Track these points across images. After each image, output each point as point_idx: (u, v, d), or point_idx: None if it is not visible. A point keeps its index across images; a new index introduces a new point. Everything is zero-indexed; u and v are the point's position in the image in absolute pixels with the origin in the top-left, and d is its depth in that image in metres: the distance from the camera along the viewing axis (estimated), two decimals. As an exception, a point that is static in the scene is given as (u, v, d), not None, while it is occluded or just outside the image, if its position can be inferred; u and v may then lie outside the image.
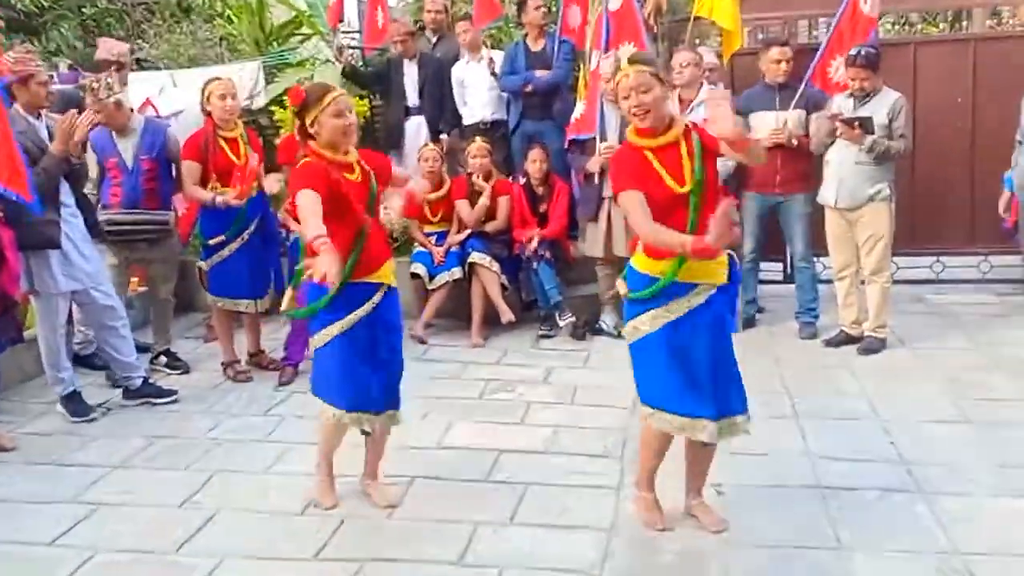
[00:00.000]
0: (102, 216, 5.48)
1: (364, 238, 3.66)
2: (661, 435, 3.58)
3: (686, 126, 3.44)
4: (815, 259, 6.44)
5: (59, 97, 5.61)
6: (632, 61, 3.41)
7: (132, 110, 5.80)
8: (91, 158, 5.52)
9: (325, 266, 3.12)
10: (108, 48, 6.13)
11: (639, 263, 3.49)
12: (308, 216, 3.34)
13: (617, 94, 3.46)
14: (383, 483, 4.03)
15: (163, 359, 5.96)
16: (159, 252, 5.78)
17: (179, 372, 5.90)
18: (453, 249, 6.56)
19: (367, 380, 3.74)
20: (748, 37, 7.99)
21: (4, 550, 3.62)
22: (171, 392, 5.40)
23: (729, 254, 3.44)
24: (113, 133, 5.51)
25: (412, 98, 7.41)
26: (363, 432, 3.89)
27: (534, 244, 6.42)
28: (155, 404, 5.31)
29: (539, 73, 6.90)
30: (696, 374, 3.40)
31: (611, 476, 4.18)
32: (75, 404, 5.11)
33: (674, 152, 3.38)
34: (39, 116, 4.97)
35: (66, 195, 4.99)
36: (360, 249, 3.65)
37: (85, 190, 5.39)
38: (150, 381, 5.44)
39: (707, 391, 3.40)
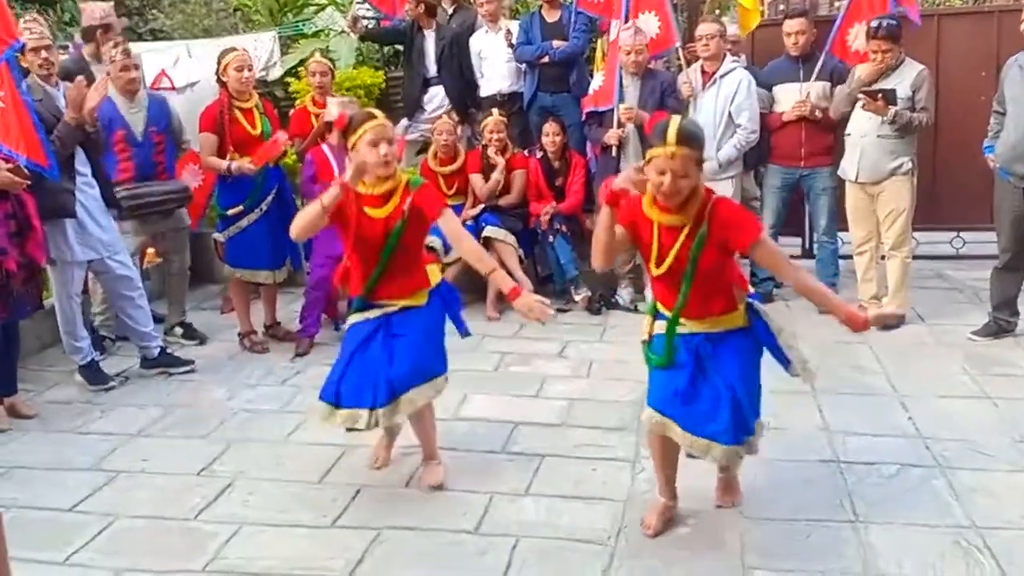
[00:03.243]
0: (122, 192, 5.43)
1: (378, 274, 3.66)
2: (652, 437, 3.46)
3: (703, 204, 3.16)
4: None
5: (60, 68, 5.59)
6: (682, 141, 3.04)
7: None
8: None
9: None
10: (90, 13, 6.10)
11: None
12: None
13: (650, 169, 3.13)
14: (432, 465, 3.95)
15: (178, 330, 5.98)
16: (172, 223, 5.79)
17: (195, 343, 5.92)
18: (468, 223, 6.54)
19: (341, 372, 3.70)
20: (769, 8, 7.91)
21: (25, 516, 3.64)
22: (188, 362, 5.43)
23: (749, 302, 3.36)
24: (120, 105, 5.48)
25: (431, 68, 7.36)
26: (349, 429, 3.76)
27: (548, 216, 6.39)
28: (172, 374, 5.34)
29: (556, 44, 6.84)
30: (677, 381, 3.29)
31: (626, 449, 4.18)
32: (93, 373, 5.15)
33: (674, 235, 3.19)
34: (57, 85, 4.97)
35: (82, 164, 4.99)
36: (373, 282, 3.68)
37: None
38: (167, 351, 5.46)
39: (684, 399, 3.27)
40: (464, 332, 4.01)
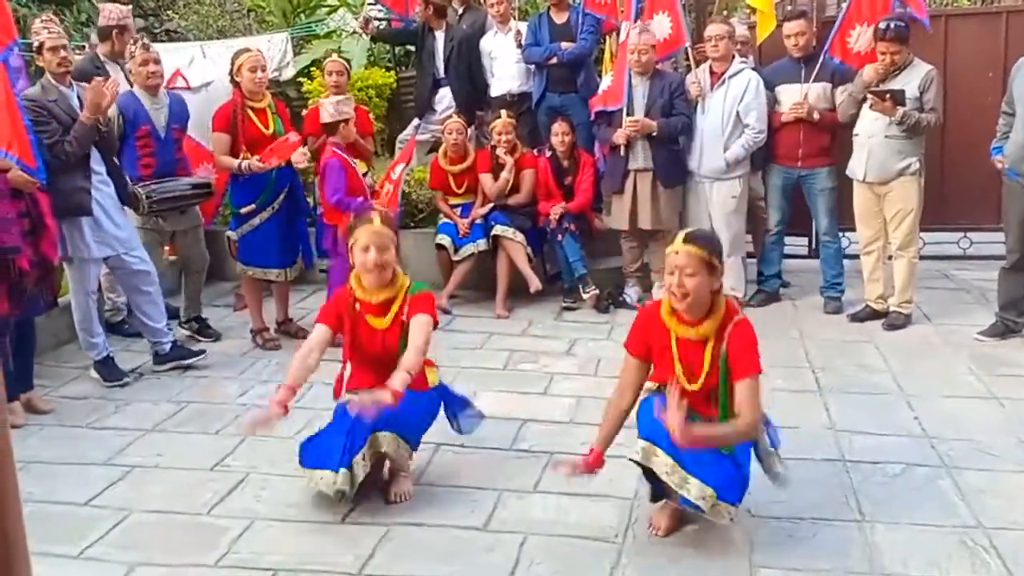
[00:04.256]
0: (151, 186, 5.46)
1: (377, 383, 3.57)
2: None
3: (725, 320, 3.20)
4: (841, 234, 6.42)
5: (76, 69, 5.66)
6: (688, 240, 3.17)
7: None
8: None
9: (257, 420, 3.49)
10: (107, 14, 6.17)
11: None
12: (303, 347, 3.66)
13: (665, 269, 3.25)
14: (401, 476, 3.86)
15: (194, 325, 6.04)
16: (188, 220, 5.85)
17: (210, 340, 5.97)
18: (477, 222, 6.58)
19: (328, 440, 3.68)
20: (776, 10, 7.92)
21: (41, 510, 3.71)
22: (199, 352, 5.48)
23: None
24: (144, 101, 5.54)
25: (441, 69, 7.40)
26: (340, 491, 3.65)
27: (557, 213, 6.43)
28: (186, 366, 5.40)
29: (565, 45, 6.88)
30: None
31: (634, 447, 4.20)
32: (108, 369, 5.21)
33: (698, 350, 3.22)
34: (71, 85, 5.03)
35: (96, 162, 5.05)
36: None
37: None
38: (178, 343, 5.52)
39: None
40: (460, 430, 3.97)
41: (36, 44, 5.01)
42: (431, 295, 3.77)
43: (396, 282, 3.67)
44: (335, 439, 3.63)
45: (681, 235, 3.23)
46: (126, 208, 5.33)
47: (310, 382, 5.10)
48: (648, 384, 3.45)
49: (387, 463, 3.86)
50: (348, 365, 3.81)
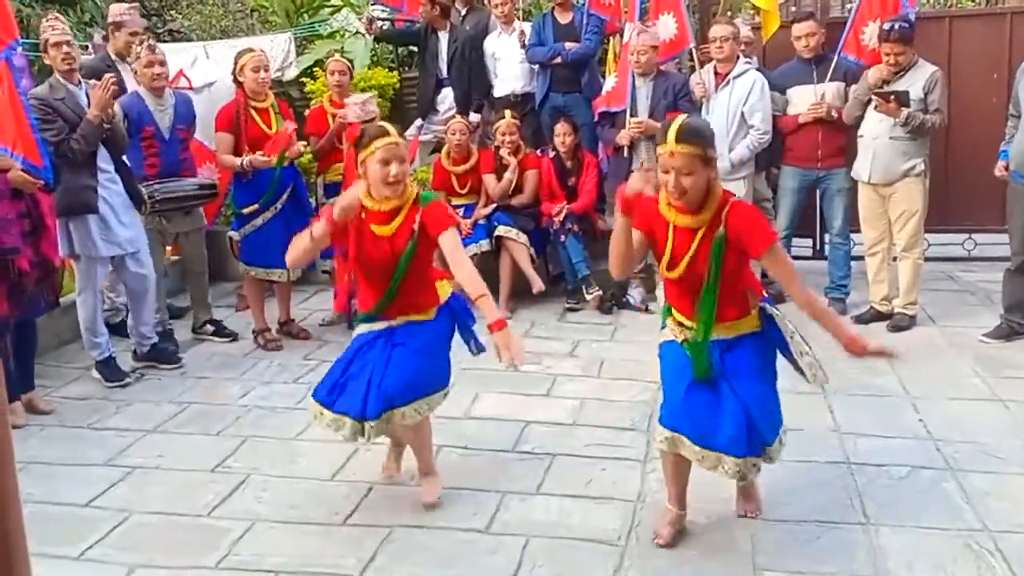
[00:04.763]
0: (155, 186, 5.46)
1: (392, 294, 3.58)
2: (664, 455, 3.41)
3: (720, 206, 3.15)
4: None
5: (86, 67, 5.66)
6: (681, 139, 3.05)
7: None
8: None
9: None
10: (113, 12, 6.18)
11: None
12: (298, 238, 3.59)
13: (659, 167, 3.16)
14: (430, 480, 3.82)
15: (209, 327, 6.03)
16: (191, 222, 5.84)
17: (227, 340, 5.95)
18: (480, 222, 6.57)
19: (338, 375, 3.62)
20: (781, 11, 7.90)
21: (41, 510, 3.70)
22: (176, 360, 5.48)
23: (762, 307, 3.37)
24: (148, 102, 5.53)
25: (444, 70, 7.39)
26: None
27: (560, 214, 6.41)
28: (160, 368, 5.41)
29: (569, 45, 6.86)
30: (691, 395, 3.24)
31: (637, 449, 4.19)
32: (110, 369, 5.20)
33: (689, 238, 3.17)
34: (79, 84, 5.02)
35: (104, 161, 5.05)
36: (387, 301, 3.60)
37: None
38: (159, 346, 5.50)
39: (696, 412, 3.22)
40: (477, 348, 3.89)
41: (42, 42, 5.02)
42: (444, 204, 3.78)
43: (404, 192, 3.57)
44: (355, 383, 3.55)
45: (672, 133, 3.06)
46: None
47: (311, 384, 5.12)
48: (668, 326, 3.39)
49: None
50: (352, 277, 3.78)
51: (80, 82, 5.04)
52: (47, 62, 5.05)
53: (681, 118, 3.16)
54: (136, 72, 5.59)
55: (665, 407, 3.31)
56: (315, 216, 6.13)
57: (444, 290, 3.77)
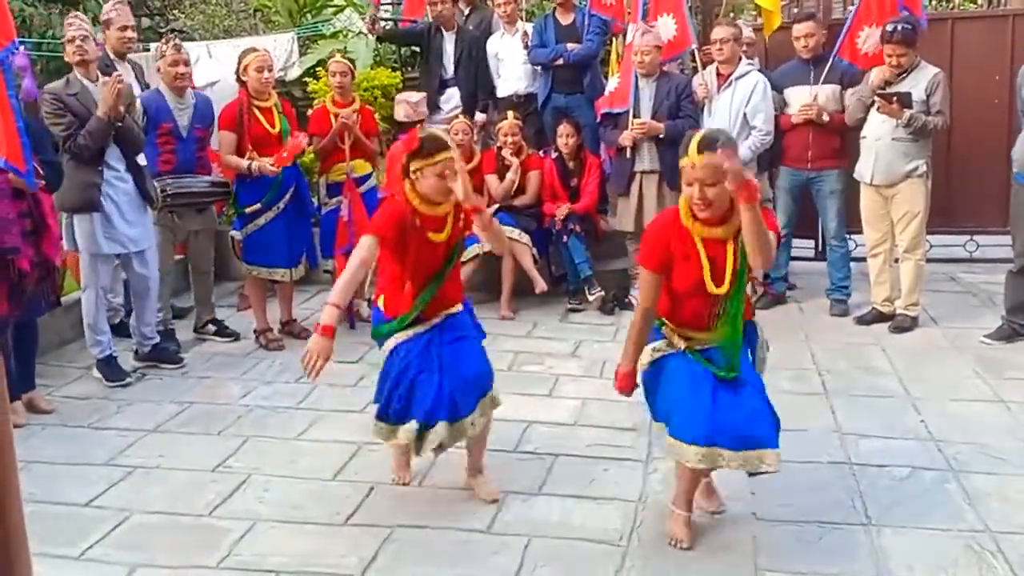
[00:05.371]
0: (168, 181, 5.48)
1: (433, 291, 3.59)
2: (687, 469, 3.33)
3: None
4: (848, 236, 6.40)
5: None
6: (703, 149, 3.08)
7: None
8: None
9: (312, 352, 3.33)
10: (104, 11, 6.15)
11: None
12: (351, 264, 3.47)
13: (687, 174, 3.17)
14: (486, 478, 3.86)
15: (211, 327, 6.03)
16: (203, 221, 5.86)
17: (229, 340, 5.95)
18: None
19: (406, 389, 3.55)
20: (783, 12, 7.91)
21: (42, 510, 3.69)
22: (178, 360, 5.47)
23: (749, 322, 3.39)
24: (169, 100, 5.55)
25: (449, 69, 7.39)
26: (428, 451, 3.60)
27: (563, 214, 6.41)
28: (162, 368, 5.40)
29: (571, 46, 6.86)
30: (705, 403, 3.21)
31: (639, 449, 4.19)
32: (111, 369, 5.20)
33: (722, 249, 3.20)
34: (96, 79, 5.03)
35: (115, 159, 5.06)
36: (428, 299, 3.60)
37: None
38: (160, 346, 5.50)
39: (721, 417, 3.18)
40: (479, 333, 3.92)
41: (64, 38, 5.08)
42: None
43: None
44: (428, 387, 3.51)
45: (694, 144, 3.11)
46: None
47: (314, 383, 5.12)
48: (656, 344, 3.38)
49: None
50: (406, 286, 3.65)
51: (97, 78, 5.05)
52: (67, 58, 5.07)
53: (702, 130, 3.21)
54: (160, 70, 5.61)
55: (688, 423, 3.21)
56: (318, 215, 6.19)
57: None
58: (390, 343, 3.63)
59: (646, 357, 3.40)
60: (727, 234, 3.19)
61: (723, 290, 3.20)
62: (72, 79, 4.98)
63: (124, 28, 5.75)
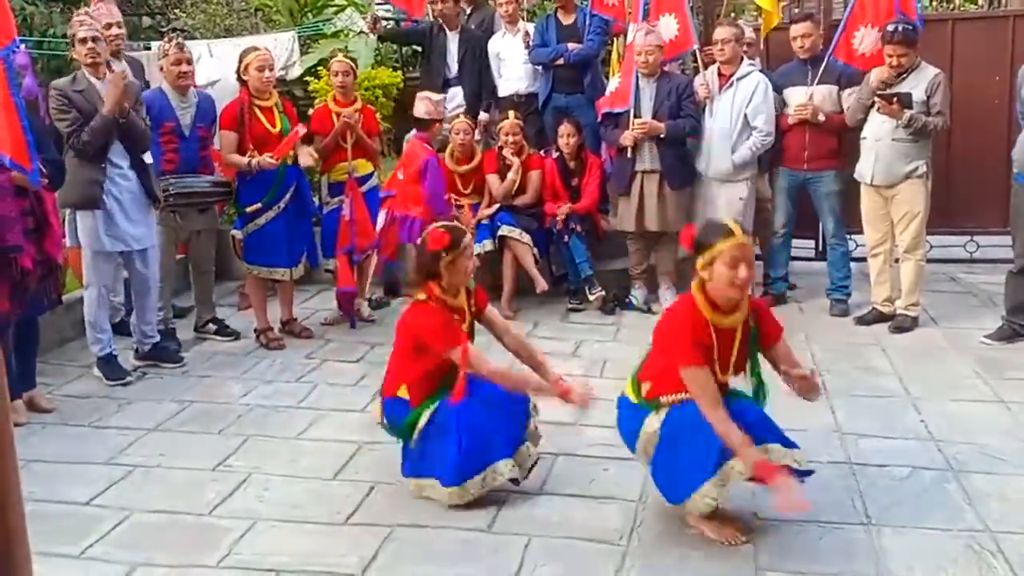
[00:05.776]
0: (171, 180, 5.48)
1: (458, 372, 3.66)
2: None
3: (748, 306, 3.32)
4: (848, 236, 6.40)
5: None
6: (743, 231, 3.22)
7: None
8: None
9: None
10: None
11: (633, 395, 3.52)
12: (491, 371, 3.73)
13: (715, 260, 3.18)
14: None
15: (211, 326, 6.03)
16: (206, 221, 5.86)
17: (230, 339, 5.95)
18: (484, 222, 6.56)
19: (463, 451, 3.62)
20: (784, 12, 7.91)
21: (42, 509, 3.69)
22: (178, 359, 5.48)
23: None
24: (171, 98, 5.55)
25: (453, 69, 7.39)
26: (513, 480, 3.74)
27: (563, 214, 6.41)
28: (162, 367, 5.40)
29: (572, 46, 6.87)
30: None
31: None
32: (111, 367, 5.20)
33: (730, 337, 3.28)
34: (104, 78, 5.03)
35: (119, 157, 5.06)
36: (453, 379, 3.68)
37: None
38: (161, 345, 5.50)
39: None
40: None
41: (70, 36, 5.07)
42: (479, 286, 3.99)
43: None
44: (496, 435, 3.68)
45: (735, 226, 3.20)
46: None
47: (313, 383, 5.13)
48: (662, 399, 3.39)
49: None
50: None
51: (104, 75, 5.05)
52: (74, 56, 5.08)
53: (728, 218, 3.39)
54: (162, 69, 5.62)
55: (692, 465, 3.26)
56: (319, 214, 6.19)
57: None
58: (424, 417, 3.70)
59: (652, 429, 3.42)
60: (738, 321, 3.28)
61: (727, 378, 3.35)
62: (79, 76, 4.99)
63: (108, 26, 5.66)
